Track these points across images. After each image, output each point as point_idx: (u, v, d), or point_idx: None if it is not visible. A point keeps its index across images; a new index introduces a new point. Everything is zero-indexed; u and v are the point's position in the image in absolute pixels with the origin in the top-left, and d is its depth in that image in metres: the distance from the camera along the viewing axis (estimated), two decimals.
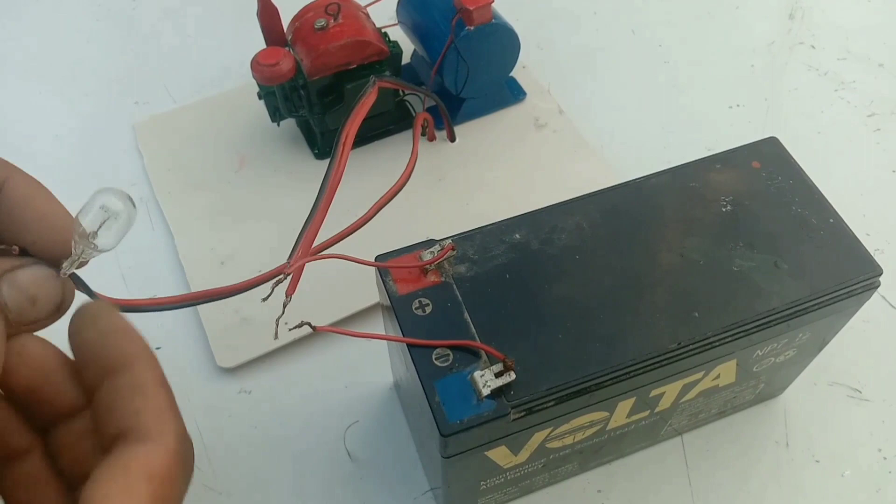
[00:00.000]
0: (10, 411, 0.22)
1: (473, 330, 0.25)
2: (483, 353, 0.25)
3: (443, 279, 0.27)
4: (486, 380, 0.24)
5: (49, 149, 0.48)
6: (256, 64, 0.40)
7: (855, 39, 0.53)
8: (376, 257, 0.27)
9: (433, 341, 0.25)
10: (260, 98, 0.43)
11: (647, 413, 0.30)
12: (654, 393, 0.28)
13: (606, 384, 0.25)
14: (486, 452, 0.26)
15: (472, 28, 0.41)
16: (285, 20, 0.43)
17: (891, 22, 0.54)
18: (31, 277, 0.20)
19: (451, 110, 0.46)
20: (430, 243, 0.27)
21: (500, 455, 0.27)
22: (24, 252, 0.20)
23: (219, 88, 0.50)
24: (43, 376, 0.21)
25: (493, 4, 0.41)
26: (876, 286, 0.28)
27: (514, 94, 0.48)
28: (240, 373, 0.38)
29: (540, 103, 0.48)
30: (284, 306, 0.24)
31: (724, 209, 0.29)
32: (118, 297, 0.22)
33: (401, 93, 0.45)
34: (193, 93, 0.50)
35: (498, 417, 0.24)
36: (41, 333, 0.21)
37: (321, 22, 0.41)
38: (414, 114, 0.47)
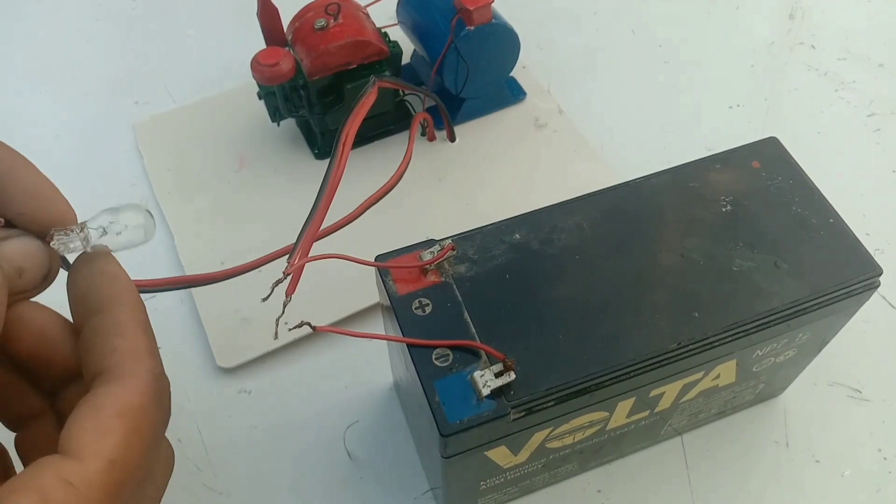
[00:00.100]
0: (18, 376, 0.23)
1: (473, 330, 0.25)
2: (483, 353, 0.25)
3: (443, 279, 0.27)
4: (486, 380, 0.24)
5: (49, 149, 0.48)
6: (256, 64, 0.40)
7: (855, 39, 0.53)
8: (376, 257, 0.27)
9: (433, 341, 0.25)
10: (260, 98, 0.43)
11: (646, 413, 0.30)
12: (654, 393, 0.28)
13: (606, 384, 0.25)
14: (486, 452, 0.26)
15: (472, 28, 0.41)
16: (285, 20, 0.43)
17: (891, 22, 0.54)
18: (18, 248, 0.20)
19: (451, 110, 0.46)
20: (430, 243, 0.27)
21: (500, 455, 0.27)
22: (9, 224, 0.20)
23: (219, 88, 0.50)
24: (44, 341, 0.22)
25: (493, 4, 0.41)
26: (876, 286, 0.28)
27: (514, 94, 0.48)
28: (240, 373, 0.38)
29: (540, 103, 0.48)
30: (284, 306, 0.24)
31: (724, 209, 0.29)
32: None
33: (401, 93, 0.45)
34: (193, 93, 0.50)
35: (498, 417, 0.24)
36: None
37: (321, 22, 0.41)
38: (414, 114, 0.47)
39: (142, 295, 0.22)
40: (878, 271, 0.27)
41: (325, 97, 0.43)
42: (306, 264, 0.25)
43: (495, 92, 0.47)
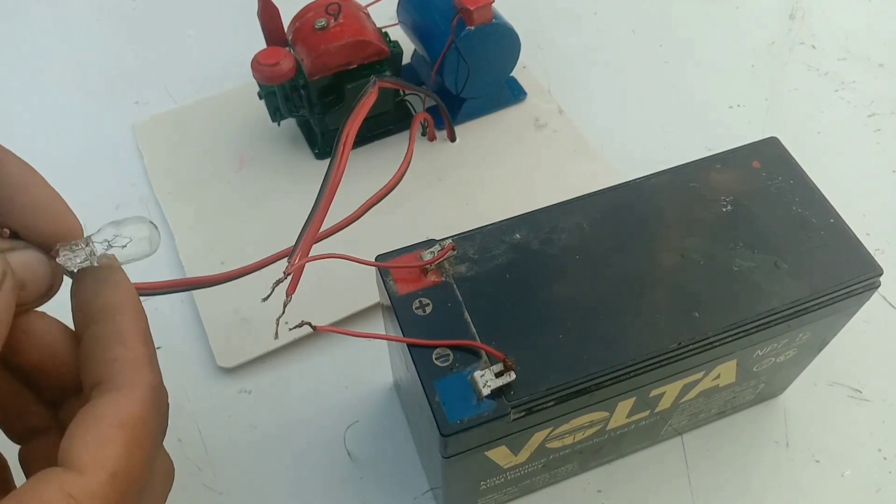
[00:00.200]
0: (24, 388, 0.23)
1: (473, 330, 0.25)
2: (483, 352, 0.25)
3: (443, 279, 0.27)
4: (487, 380, 0.24)
5: (49, 149, 0.48)
6: (257, 64, 0.40)
7: (855, 39, 0.53)
8: (376, 257, 0.27)
9: (433, 341, 0.25)
10: (260, 98, 0.43)
11: (647, 413, 0.30)
12: (654, 393, 0.28)
13: (606, 384, 0.25)
14: (486, 452, 0.26)
15: (472, 28, 0.41)
16: (286, 20, 0.43)
17: (891, 22, 0.54)
18: (21, 261, 0.20)
19: (451, 110, 0.46)
20: (430, 243, 0.27)
21: (500, 455, 0.27)
22: (14, 235, 0.20)
23: (219, 88, 0.50)
24: (51, 352, 0.22)
25: (493, 4, 0.41)
26: (876, 286, 0.28)
27: (514, 94, 0.48)
28: (240, 373, 0.38)
29: (540, 103, 0.48)
30: (285, 306, 0.24)
31: (724, 209, 0.29)
32: None
33: (401, 93, 0.45)
34: (193, 93, 0.50)
35: (498, 417, 0.24)
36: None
37: (321, 22, 0.41)
38: (414, 114, 0.47)
39: (141, 296, 0.22)
40: (879, 271, 0.27)
41: (325, 97, 0.43)
42: (306, 264, 0.25)
43: (496, 92, 0.47)
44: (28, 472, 0.23)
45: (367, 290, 0.33)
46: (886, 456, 0.35)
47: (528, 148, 0.46)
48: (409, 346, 0.25)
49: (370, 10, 0.44)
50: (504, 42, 0.43)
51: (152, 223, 0.22)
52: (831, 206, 0.29)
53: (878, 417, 0.36)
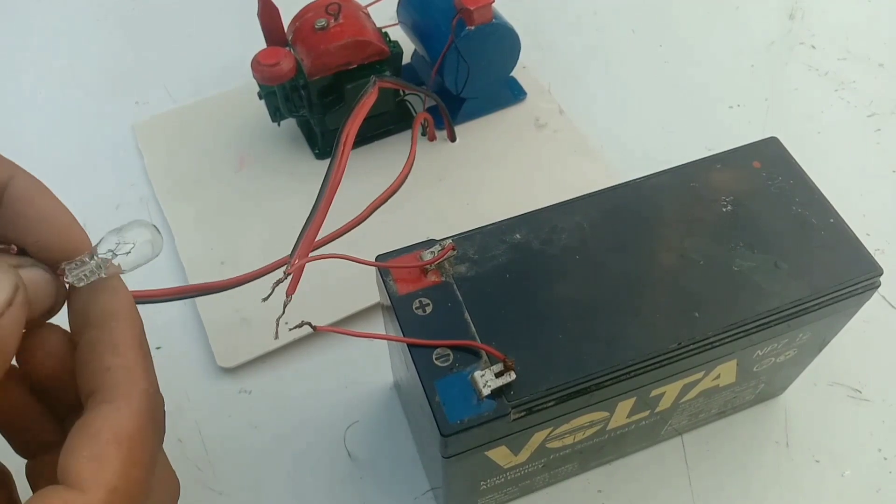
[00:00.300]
0: (35, 404, 0.23)
1: (474, 330, 0.25)
2: (483, 353, 0.25)
3: (443, 279, 0.27)
4: (487, 380, 0.24)
5: (49, 149, 0.48)
6: (257, 64, 0.40)
7: (855, 39, 0.53)
8: (376, 257, 0.27)
9: (433, 341, 0.25)
10: (260, 98, 0.43)
11: (647, 413, 0.30)
12: (654, 393, 0.28)
13: (606, 384, 0.25)
14: (486, 452, 0.26)
15: (472, 28, 0.41)
16: (286, 20, 0.43)
17: (891, 22, 0.54)
18: (28, 279, 0.20)
19: (451, 110, 0.46)
20: (430, 243, 0.27)
21: (500, 455, 0.27)
22: (22, 251, 0.20)
23: (219, 88, 0.50)
24: (61, 366, 0.22)
25: (493, 4, 0.41)
26: (876, 286, 0.28)
27: (514, 94, 0.48)
28: (240, 373, 0.38)
29: (540, 103, 0.48)
30: (285, 306, 0.24)
31: (724, 209, 0.29)
32: None
33: (401, 93, 0.45)
34: (193, 93, 0.50)
35: (498, 417, 0.24)
36: None
37: (321, 22, 0.41)
38: (414, 114, 0.47)
39: (147, 303, 0.22)
40: (879, 271, 0.27)
41: (325, 97, 0.43)
42: (307, 264, 0.25)
43: (496, 92, 0.47)
44: (35, 486, 0.23)
45: (367, 290, 0.33)
46: (886, 456, 0.35)
47: (528, 148, 0.46)
48: (410, 346, 0.25)
49: (370, 10, 0.44)
50: (504, 42, 0.43)
51: (153, 226, 0.22)
52: (831, 206, 0.29)
53: (878, 417, 0.36)
